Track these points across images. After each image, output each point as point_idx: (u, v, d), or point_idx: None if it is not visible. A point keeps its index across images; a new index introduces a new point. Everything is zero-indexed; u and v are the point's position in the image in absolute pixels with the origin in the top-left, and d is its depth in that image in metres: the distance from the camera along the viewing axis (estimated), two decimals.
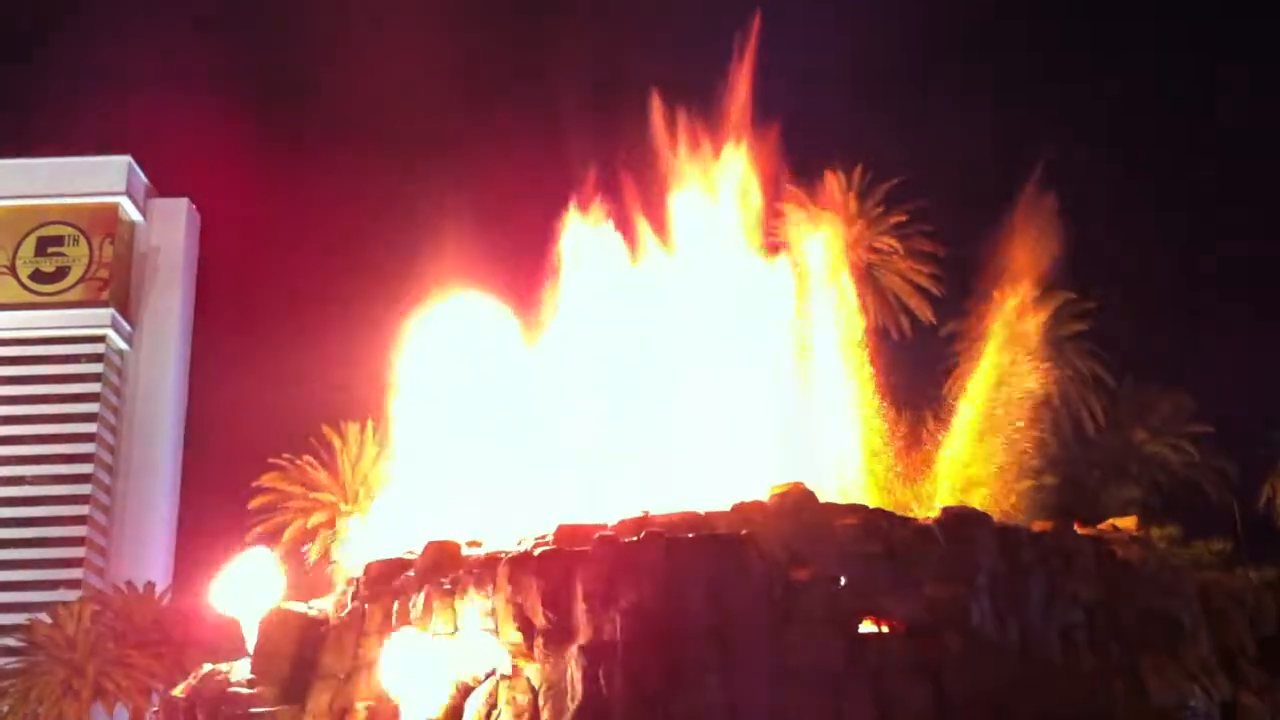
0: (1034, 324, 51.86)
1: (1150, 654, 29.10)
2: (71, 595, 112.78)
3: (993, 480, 41.41)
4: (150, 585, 61.49)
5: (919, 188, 55.41)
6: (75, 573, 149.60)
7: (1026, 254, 46.43)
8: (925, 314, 55.40)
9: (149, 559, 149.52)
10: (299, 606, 34.33)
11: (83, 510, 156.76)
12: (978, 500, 34.25)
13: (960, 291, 52.68)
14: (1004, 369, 51.24)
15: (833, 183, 58.68)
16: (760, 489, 31.24)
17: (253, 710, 31.39)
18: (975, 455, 44.45)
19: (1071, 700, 27.49)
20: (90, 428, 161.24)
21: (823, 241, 51.91)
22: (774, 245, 56.80)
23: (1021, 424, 46.29)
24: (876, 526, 29.32)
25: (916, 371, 48.99)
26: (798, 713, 26.12)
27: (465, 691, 28.45)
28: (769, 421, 36.85)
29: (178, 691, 35.14)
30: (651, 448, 36.39)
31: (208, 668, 34.97)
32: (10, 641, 62.39)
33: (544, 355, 39.26)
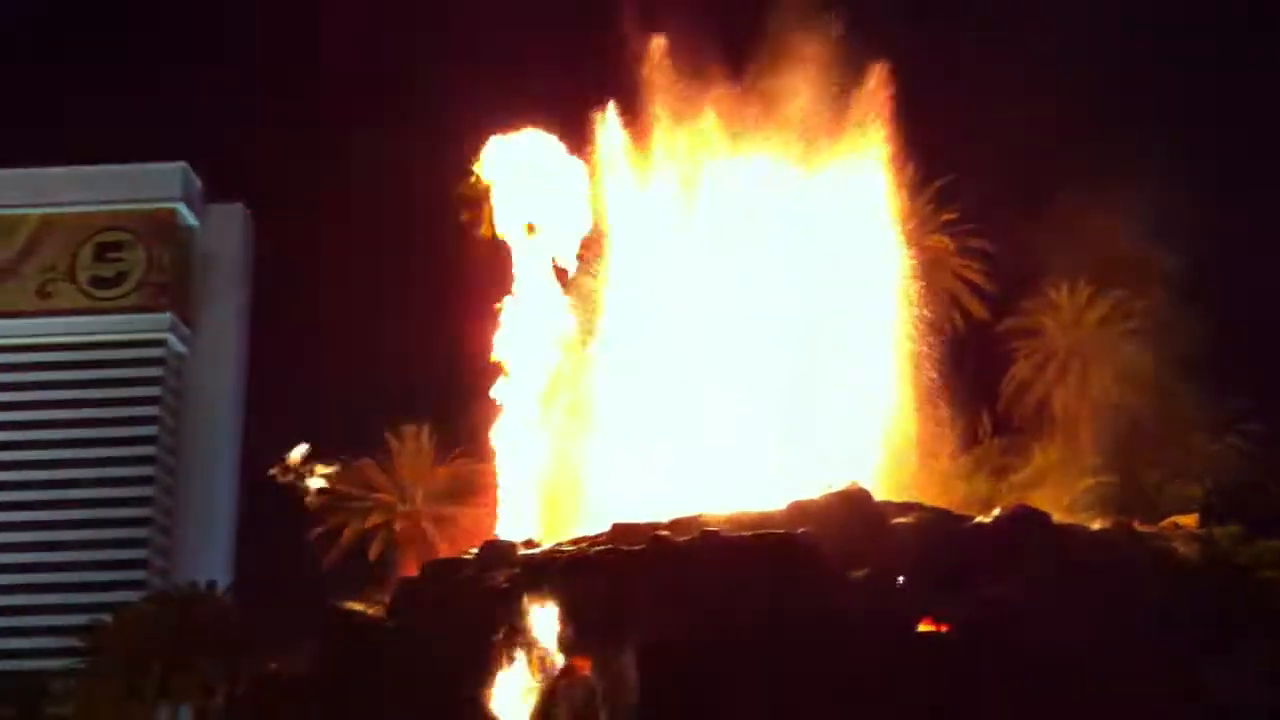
0: (1089, 321, 51.53)
1: (1209, 654, 28.79)
2: (134, 596, 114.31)
3: (1051, 479, 41.17)
4: (212, 585, 62.21)
5: (970, 184, 55.08)
6: (137, 573, 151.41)
7: (1081, 251, 46.11)
8: (978, 311, 55.06)
9: (210, 559, 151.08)
10: (358, 607, 34.69)
11: (144, 511, 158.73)
12: (1036, 499, 34.04)
13: (1015, 289, 52.40)
14: (1058, 366, 50.94)
15: None
16: (815, 488, 31.26)
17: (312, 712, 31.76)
18: (1033, 454, 44.23)
19: (1130, 700, 27.28)
20: (150, 430, 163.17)
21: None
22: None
23: (1079, 423, 46.02)
24: (933, 526, 29.25)
25: (971, 369, 48.73)
26: (854, 714, 26.08)
27: (522, 691, 28.65)
28: (824, 419, 36.81)
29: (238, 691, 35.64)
30: (707, 445, 36.47)
31: (268, 668, 35.46)
32: (73, 642, 63.39)
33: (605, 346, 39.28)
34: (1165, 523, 31.02)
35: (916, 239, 56.66)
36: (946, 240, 56.25)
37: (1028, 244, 47.40)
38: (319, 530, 63.55)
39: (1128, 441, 42.17)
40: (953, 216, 55.97)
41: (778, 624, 26.90)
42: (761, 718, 26.18)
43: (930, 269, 56.19)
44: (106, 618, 62.71)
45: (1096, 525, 31.17)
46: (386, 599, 34.91)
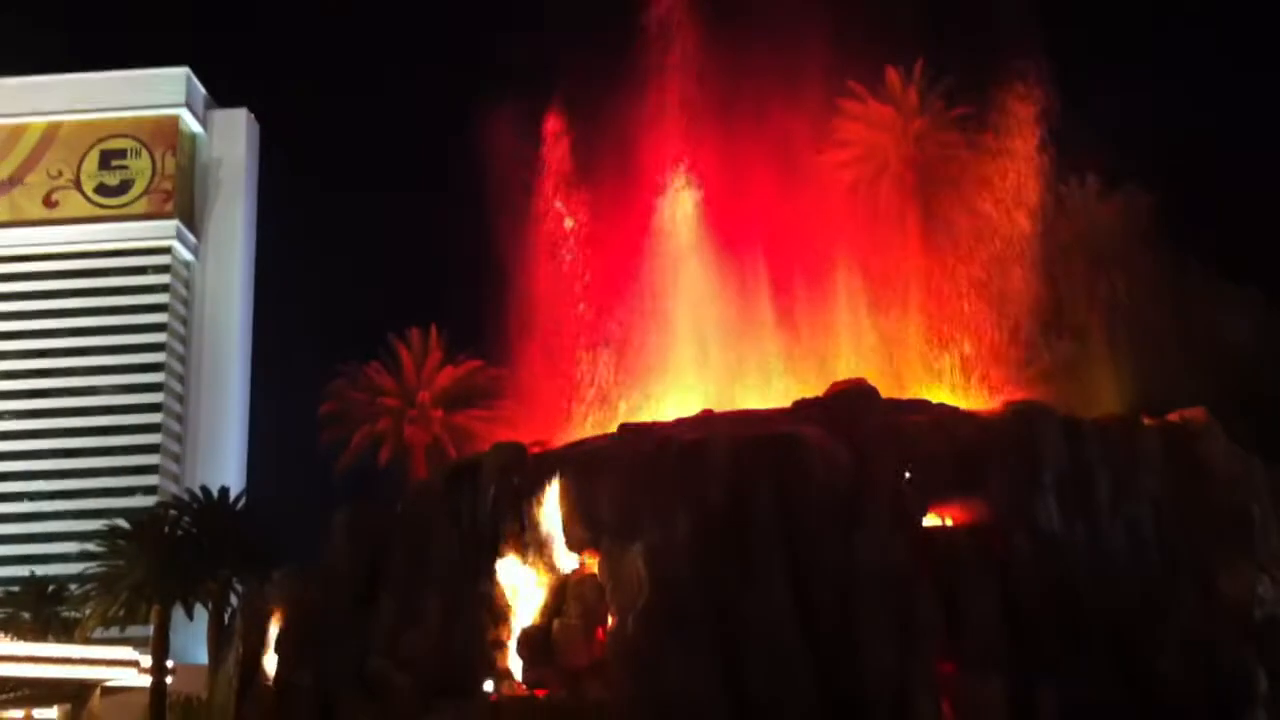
0: (1100, 217, 51.14)
1: (1219, 547, 28.87)
2: (148, 501, 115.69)
3: (1060, 377, 41.09)
4: (225, 490, 62.65)
5: (982, 81, 54.38)
6: (151, 479, 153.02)
7: (1096, 146, 45.59)
8: (988, 206, 54.64)
9: (222, 465, 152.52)
10: (368, 509, 34.94)
11: (155, 419, 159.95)
12: (1044, 394, 33.99)
13: (1027, 186, 51.93)
14: (1068, 263, 50.64)
15: (893, 78, 57.86)
16: (822, 386, 31.24)
17: (329, 611, 32.12)
18: (1042, 350, 44.10)
19: (1139, 594, 27.44)
20: (160, 337, 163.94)
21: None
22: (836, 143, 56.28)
23: (1089, 320, 45.84)
24: (941, 422, 29.24)
25: (983, 267, 48.42)
26: (864, 609, 26.27)
27: (533, 588, 28.94)
28: (826, 317, 36.69)
29: (254, 594, 36.04)
30: (717, 344, 36.42)
31: (284, 570, 35.80)
32: (90, 547, 64.04)
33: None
34: (1172, 416, 30.91)
35: (927, 135, 56.25)
36: (957, 137, 55.75)
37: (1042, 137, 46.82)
38: (329, 434, 63.89)
39: (1137, 338, 42.02)
40: (964, 111, 55.38)
41: (785, 521, 27.01)
42: (769, 615, 26.33)
43: (940, 166, 55.79)
44: (122, 523, 63.23)
45: (1104, 419, 31.04)
46: (399, 501, 35.16)
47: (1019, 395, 35.48)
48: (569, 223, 39.93)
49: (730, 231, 38.12)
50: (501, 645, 28.83)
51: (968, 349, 42.69)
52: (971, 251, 48.31)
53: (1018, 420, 29.29)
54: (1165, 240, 48.75)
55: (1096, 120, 44.79)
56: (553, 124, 40.90)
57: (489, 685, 28.32)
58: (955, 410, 30.79)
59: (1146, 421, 30.71)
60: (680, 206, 38.46)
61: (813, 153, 41.85)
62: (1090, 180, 52.48)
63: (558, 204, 40.02)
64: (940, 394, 33.67)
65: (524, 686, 27.97)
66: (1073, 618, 26.79)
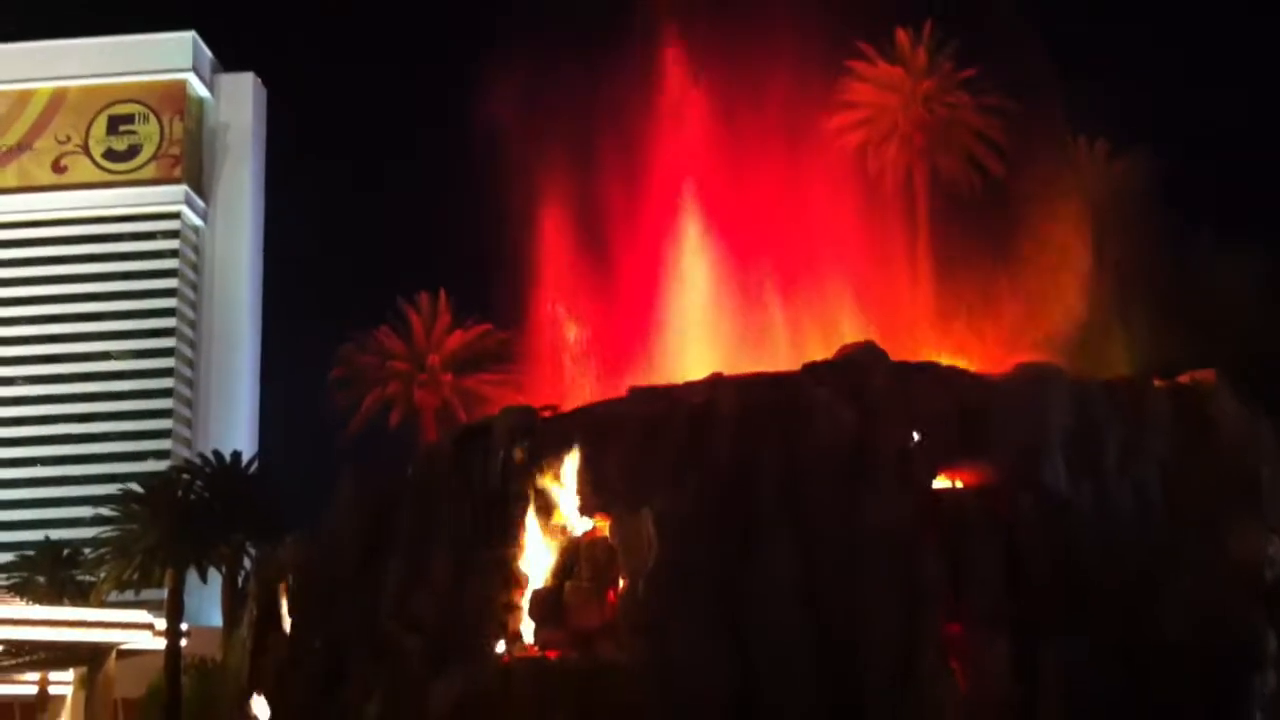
0: (1109, 178, 51.01)
1: (1228, 508, 28.91)
2: (161, 466, 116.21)
3: (1068, 339, 41.09)
4: (237, 454, 62.96)
5: (992, 43, 54.12)
6: (163, 444, 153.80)
7: (1105, 109, 45.43)
8: (996, 168, 54.55)
9: (234, 429, 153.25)
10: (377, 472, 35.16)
11: (167, 383, 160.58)
12: (1052, 357, 34.02)
13: (1035, 148, 51.79)
14: (1078, 225, 50.54)
15: (903, 39, 57.60)
16: (830, 349, 31.30)
17: (340, 575, 32.39)
18: (1051, 313, 44.08)
19: (1146, 556, 27.55)
20: (170, 302, 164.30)
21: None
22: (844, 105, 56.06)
23: (1098, 282, 45.78)
24: (949, 384, 29.29)
25: (990, 231, 48.41)
26: (870, 571, 26.43)
27: (544, 551, 29.15)
28: (838, 282, 36.73)
29: (267, 557, 36.35)
30: (723, 311, 36.52)
31: (296, 534, 36.08)
32: (104, 511, 64.45)
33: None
34: (1182, 377, 30.92)
35: (936, 97, 56.04)
36: (965, 98, 55.59)
37: (1049, 99, 46.66)
38: (340, 398, 64.10)
39: (1145, 301, 41.99)
40: (973, 73, 55.20)
41: (792, 483, 27.16)
42: (775, 577, 26.51)
43: (948, 127, 55.65)
44: (135, 487, 63.59)
45: (1113, 380, 31.09)
46: (409, 465, 35.34)
47: (1027, 357, 35.54)
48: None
49: (737, 193, 38.10)
50: (513, 607, 29.06)
51: (976, 311, 42.73)
52: (979, 214, 48.28)
53: (1025, 381, 29.32)
54: (1173, 203, 48.68)
55: (1105, 84, 44.65)
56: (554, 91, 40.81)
57: (500, 647, 28.56)
58: (963, 372, 30.83)
59: (1156, 383, 30.72)
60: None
61: (821, 115, 41.71)
62: (1099, 143, 52.36)
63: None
64: (948, 357, 33.70)
65: (535, 648, 28.19)
66: (1080, 579, 26.92)
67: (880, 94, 56.76)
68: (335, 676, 30.51)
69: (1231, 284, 46.13)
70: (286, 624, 33.62)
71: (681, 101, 39.42)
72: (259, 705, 33.41)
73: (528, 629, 28.68)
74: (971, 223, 48.04)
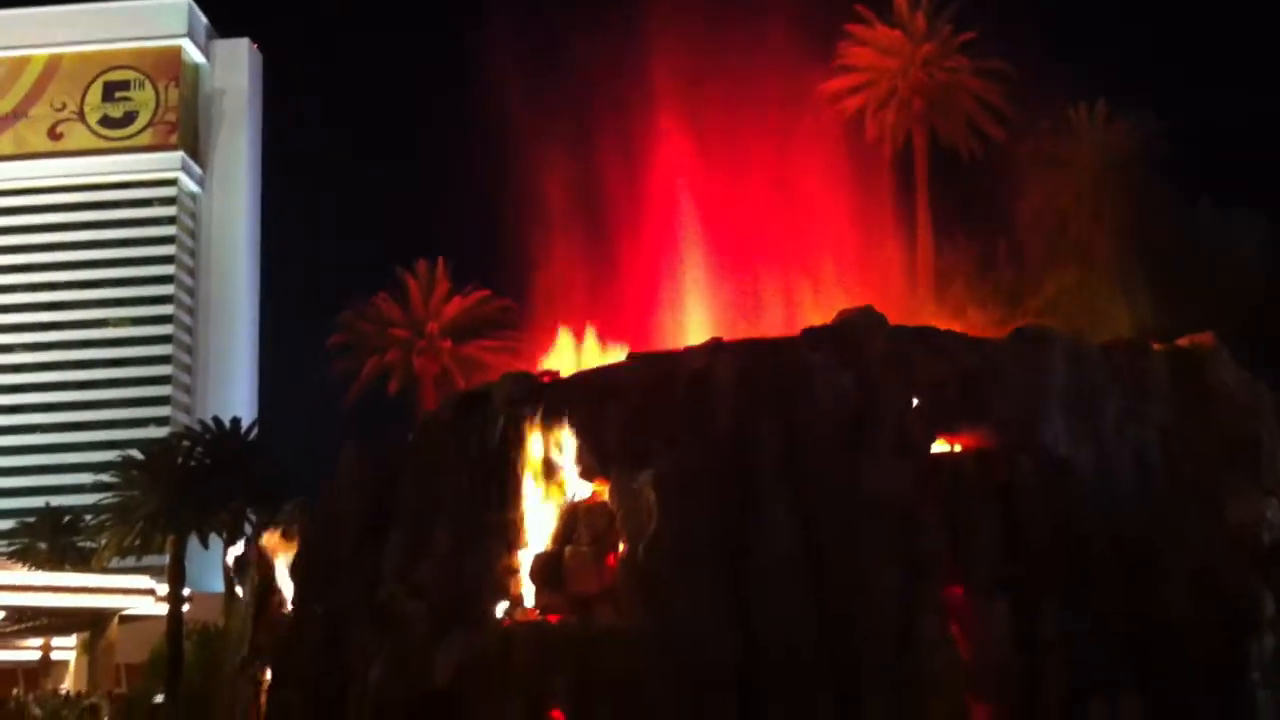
0: (1108, 143, 50.93)
1: (1227, 472, 29.00)
2: (160, 432, 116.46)
3: (1066, 304, 41.13)
4: (236, 421, 63.09)
5: (992, 6, 53.90)
6: (163, 410, 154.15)
7: (1105, 71, 45.28)
8: (996, 132, 54.47)
9: (233, 395, 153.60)
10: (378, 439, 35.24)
11: (165, 350, 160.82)
12: (1050, 320, 34.05)
13: (1034, 111, 51.73)
14: (1075, 191, 50.56)
15: (901, 2, 57.40)
16: (829, 315, 31.28)
17: (340, 541, 32.50)
18: (1050, 278, 44.13)
19: (1145, 519, 27.63)
20: (168, 269, 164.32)
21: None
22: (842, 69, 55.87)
23: (1096, 247, 45.80)
24: (948, 348, 29.27)
25: (989, 196, 48.45)
26: (869, 536, 26.50)
27: (544, 515, 29.24)
28: (836, 247, 36.70)
29: (267, 524, 36.45)
30: (720, 278, 36.51)
31: (296, 500, 36.20)
32: (104, 478, 64.61)
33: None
34: (1180, 341, 30.95)
35: (935, 61, 55.87)
36: (965, 62, 55.45)
37: (1048, 64, 46.55)
38: (338, 365, 64.19)
39: (1144, 263, 41.99)
40: (973, 36, 55.04)
41: (791, 448, 27.20)
42: (774, 542, 26.58)
43: (949, 93, 55.52)
44: (135, 454, 63.77)
45: (1111, 344, 31.08)
46: (408, 432, 35.41)
47: (1025, 321, 35.56)
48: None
49: (734, 159, 38.00)
50: (513, 572, 29.16)
51: (974, 277, 42.77)
52: (978, 179, 48.23)
53: (1024, 345, 29.33)
54: (1173, 167, 48.64)
55: (1105, 47, 44.53)
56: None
57: (500, 611, 28.69)
58: (961, 337, 30.83)
59: (1155, 347, 30.73)
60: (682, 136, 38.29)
61: (819, 79, 41.59)
62: (1099, 107, 52.26)
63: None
64: (947, 322, 33.69)
65: (536, 612, 28.32)
66: (1079, 543, 27.02)
67: (879, 58, 56.65)
68: (337, 641, 30.63)
69: (1231, 248, 46.17)
70: (287, 590, 33.78)
71: (676, 66, 39.25)
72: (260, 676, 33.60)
73: (528, 593, 28.80)
74: (970, 188, 48.03)
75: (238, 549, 39.96)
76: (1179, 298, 40.30)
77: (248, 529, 53.12)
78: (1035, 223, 49.76)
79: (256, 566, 35.49)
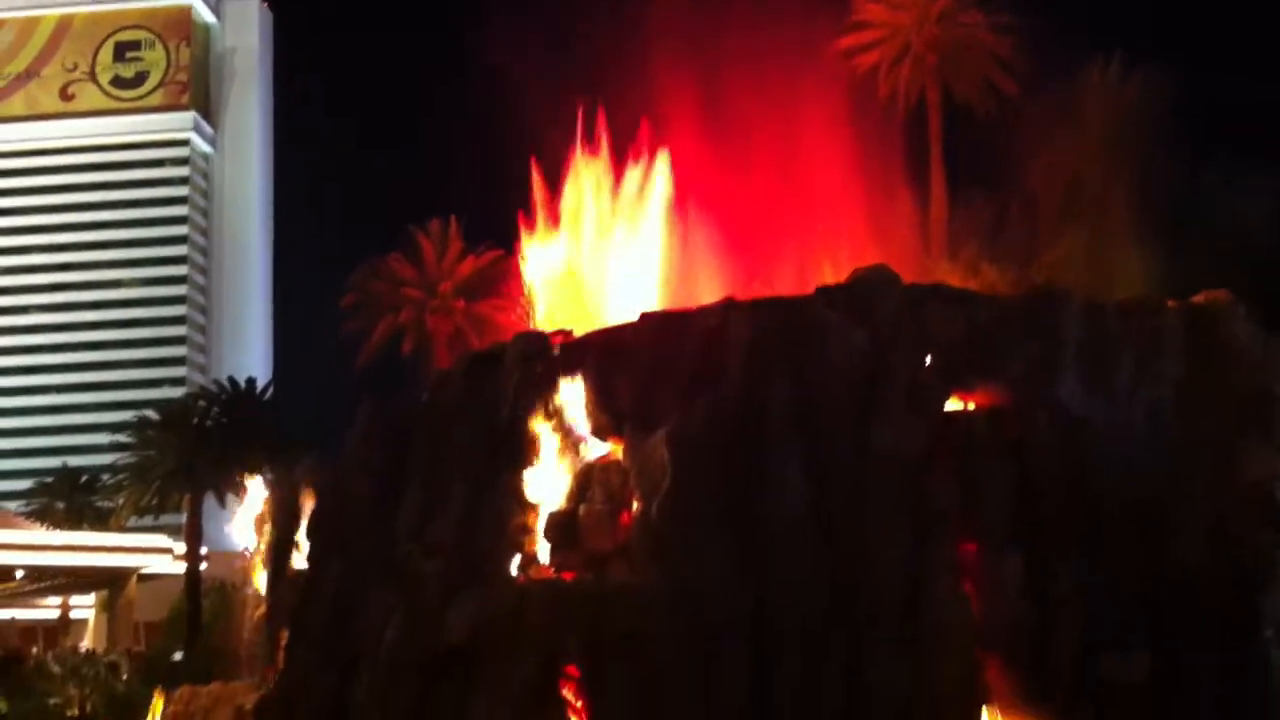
0: (1124, 98, 50.55)
1: (1241, 428, 28.94)
2: (176, 392, 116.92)
3: (1080, 261, 40.97)
4: (251, 381, 63.34)
5: None
6: (178, 370, 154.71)
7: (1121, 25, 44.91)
8: (1010, 88, 54.11)
9: (247, 355, 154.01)
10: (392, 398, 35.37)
11: (180, 310, 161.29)
12: (1064, 278, 33.95)
13: (1050, 68, 51.33)
14: (1090, 148, 50.22)
15: None
16: (841, 274, 31.24)
17: (355, 500, 32.68)
18: (1062, 235, 43.94)
19: (1159, 475, 27.62)
20: (180, 230, 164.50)
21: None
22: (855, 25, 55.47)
23: (1111, 203, 45.55)
24: (961, 306, 29.22)
25: (1002, 153, 48.14)
26: (882, 494, 26.56)
27: (557, 474, 29.35)
28: (845, 204, 36.56)
29: (284, 482, 36.64)
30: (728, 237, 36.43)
31: (311, 458, 36.36)
32: (121, 438, 64.99)
33: None
34: (1196, 297, 30.83)
35: (950, 16, 55.45)
36: (979, 17, 55.04)
37: (1063, 18, 46.16)
38: (351, 325, 64.32)
39: (1159, 220, 41.77)
40: None
41: (803, 406, 27.23)
42: (791, 501, 26.65)
43: (963, 48, 55.13)
44: (151, 414, 64.14)
45: (1126, 301, 30.98)
46: (422, 391, 35.51)
47: (1040, 279, 35.45)
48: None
49: (743, 116, 37.83)
50: (528, 530, 29.31)
51: (988, 234, 42.58)
52: (992, 135, 47.90)
53: (1038, 303, 29.29)
54: (1189, 122, 48.26)
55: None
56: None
57: (514, 569, 28.87)
58: (975, 294, 30.76)
59: (1169, 303, 30.62)
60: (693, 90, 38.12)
61: (831, 34, 41.30)
62: (1115, 60, 51.81)
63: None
64: (961, 279, 33.65)
65: (550, 570, 28.49)
66: (1093, 499, 27.03)
67: (893, 13, 56.22)
68: (353, 598, 30.86)
69: (1247, 205, 45.87)
70: (304, 548, 34.00)
71: (687, 23, 39.03)
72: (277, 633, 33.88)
73: (543, 551, 28.95)
74: (984, 145, 47.74)
75: (255, 506, 40.20)
76: (1194, 253, 40.11)
77: (264, 487, 53.45)
78: (1049, 179, 49.49)
79: (272, 524, 35.73)
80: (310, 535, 33.79)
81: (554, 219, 37.44)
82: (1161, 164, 46.49)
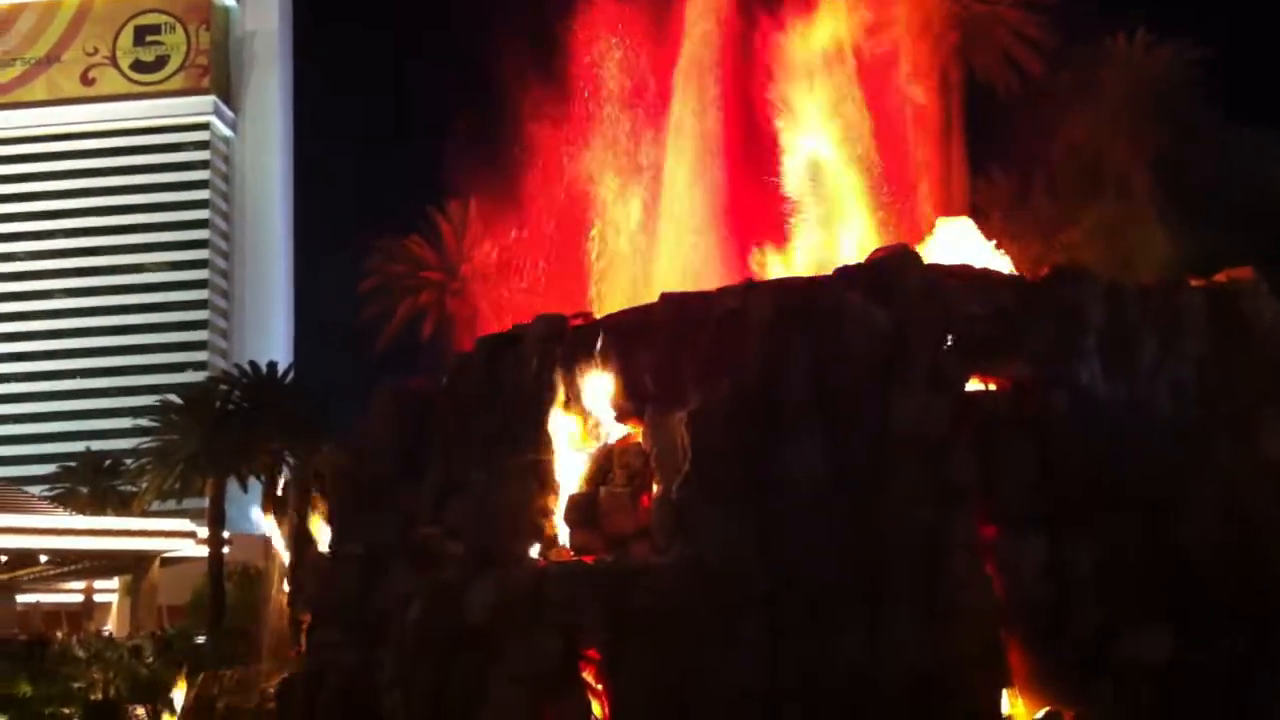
0: (1148, 73, 50.11)
1: (1262, 406, 28.81)
2: (198, 377, 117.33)
3: (1102, 239, 40.70)
4: (273, 365, 63.50)
5: None
6: (200, 355, 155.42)
7: None
8: (1033, 65, 53.60)
9: (269, 339, 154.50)
10: (412, 380, 35.43)
11: (202, 295, 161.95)
12: (1087, 259, 33.73)
13: (1073, 42, 50.86)
14: (1114, 122, 49.80)
15: None
16: (862, 253, 31.12)
17: (377, 482, 32.77)
18: (1085, 213, 43.65)
19: (1180, 455, 27.48)
20: (202, 214, 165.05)
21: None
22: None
23: (1133, 180, 45.22)
24: (983, 286, 29.08)
25: (1025, 129, 47.78)
26: (902, 473, 26.48)
27: (578, 456, 29.36)
28: (866, 184, 36.39)
29: (306, 465, 36.78)
30: (753, 222, 36.32)
31: (332, 442, 36.48)
32: (144, 422, 65.25)
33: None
34: (1219, 276, 30.60)
35: None
36: None
37: None
38: (372, 308, 64.34)
39: (1183, 194, 41.45)
40: None
41: (824, 386, 27.15)
42: (812, 480, 26.60)
43: (985, 24, 54.63)
44: (174, 398, 64.37)
45: (1148, 280, 30.82)
46: (442, 374, 35.55)
47: (1062, 257, 35.21)
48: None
49: (763, 93, 37.65)
50: (548, 513, 29.35)
51: (1010, 212, 42.29)
52: (1014, 111, 47.52)
53: (1060, 283, 29.12)
54: (1214, 94, 47.84)
55: None
56: None
57: (535, 551, 28.90)
58: (996, 274, 30.59)
59: (1192, 283, 30.42)
60: (704, 52, 37.99)
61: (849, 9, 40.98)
62: (1139, 33, 51.37)
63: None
64: (982, 258, 33.44)
65: (570, 552, 28.51)
66: (1112, 478, 26.89)
67: None
68: (375, 580, 30.96)
69: (1271, 180, 45.48)
70: (325, 531, 34.12)
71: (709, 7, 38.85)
72: (300, 616, 34.03)
73: (563, 534, 28.97)
74: (1006, 121, 47.37)
75: (278, 489, 40.39)
76: (1219, 228, 39.82)
77: (286, 471, 53.64)
78: (1072, 155, 49.14)
79: (294, 508, 35.85)
80: (331, 516, 33.92)
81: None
82: (1187, 137, 46.12)
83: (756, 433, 26.95)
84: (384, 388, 34.56)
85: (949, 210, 38.05)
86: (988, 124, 48.95)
